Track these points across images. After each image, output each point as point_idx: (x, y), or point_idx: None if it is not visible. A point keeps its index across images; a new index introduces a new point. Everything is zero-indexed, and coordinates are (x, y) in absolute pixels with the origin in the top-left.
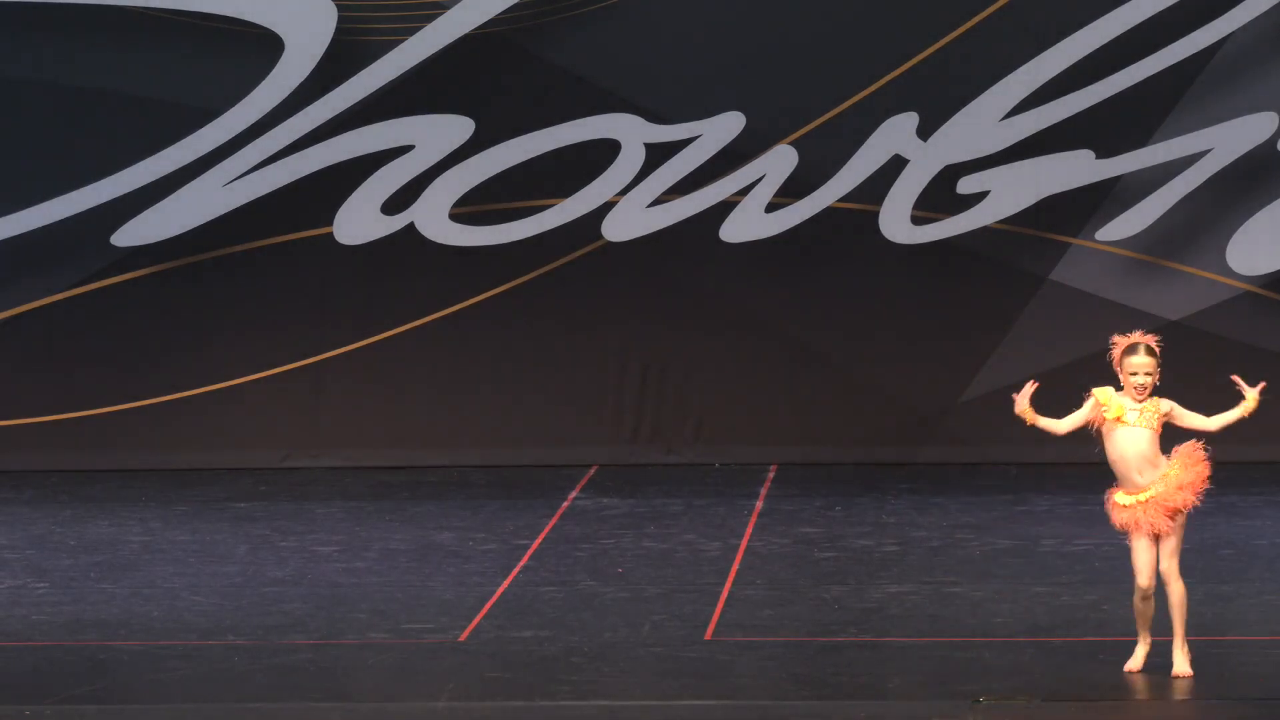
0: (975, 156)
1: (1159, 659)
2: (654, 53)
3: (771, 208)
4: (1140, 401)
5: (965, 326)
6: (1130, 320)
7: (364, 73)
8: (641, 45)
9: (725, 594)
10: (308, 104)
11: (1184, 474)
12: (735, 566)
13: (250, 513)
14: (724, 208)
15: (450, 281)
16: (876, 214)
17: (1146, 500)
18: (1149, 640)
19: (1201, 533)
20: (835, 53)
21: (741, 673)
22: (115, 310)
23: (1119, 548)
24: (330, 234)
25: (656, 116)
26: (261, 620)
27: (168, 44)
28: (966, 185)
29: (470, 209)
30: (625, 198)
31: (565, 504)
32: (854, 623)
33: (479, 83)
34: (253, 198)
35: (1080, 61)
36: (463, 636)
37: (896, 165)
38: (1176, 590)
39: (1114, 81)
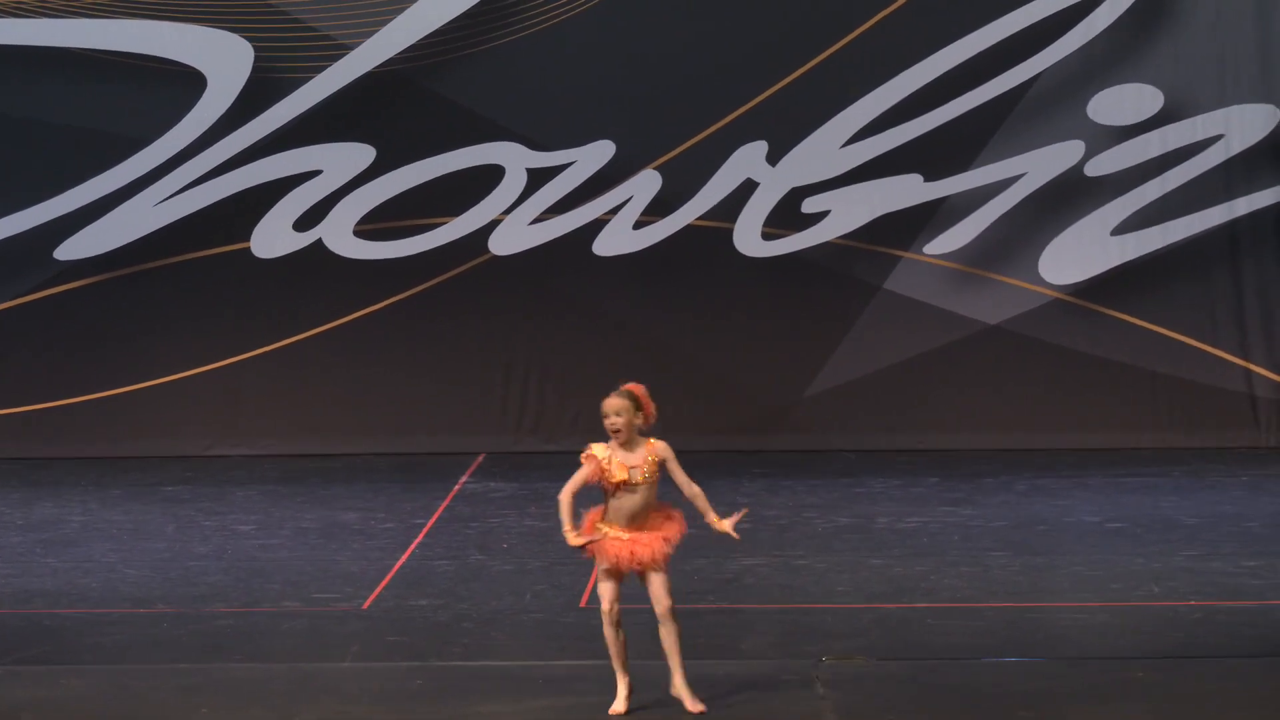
0: (818, 180)
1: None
2: (534, 88)
3: (638, 225)
4: (621, 445)
5: (809, 330)
6: (955, 324)
7: (277, 105)
8: (523, 81)
9: (598, 567)
10: (228, 133)
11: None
12: None
13: (178, 495)
14: (596, 225)
15: (355, 291)
16: (731, 231)
17: (636, 537)
18: (628, 678)
19: (1019, 511)
20: (694, 88)
21: None
22: (59, 316)
23: (944, 524)
24: (248, 249)
25: (536, 144)
26: (188, 590)
27: (105, 81)
28: (810, 205)
29: (372, 226)
30: (509, 216)
31: (457, 487)
32: (713, 591)
33: (380, 115)
34: (180, 216)
35: (911, 95)
36: (366, 605)
37: (748, 188)
38: (673, 630)
39: (940, 113)
